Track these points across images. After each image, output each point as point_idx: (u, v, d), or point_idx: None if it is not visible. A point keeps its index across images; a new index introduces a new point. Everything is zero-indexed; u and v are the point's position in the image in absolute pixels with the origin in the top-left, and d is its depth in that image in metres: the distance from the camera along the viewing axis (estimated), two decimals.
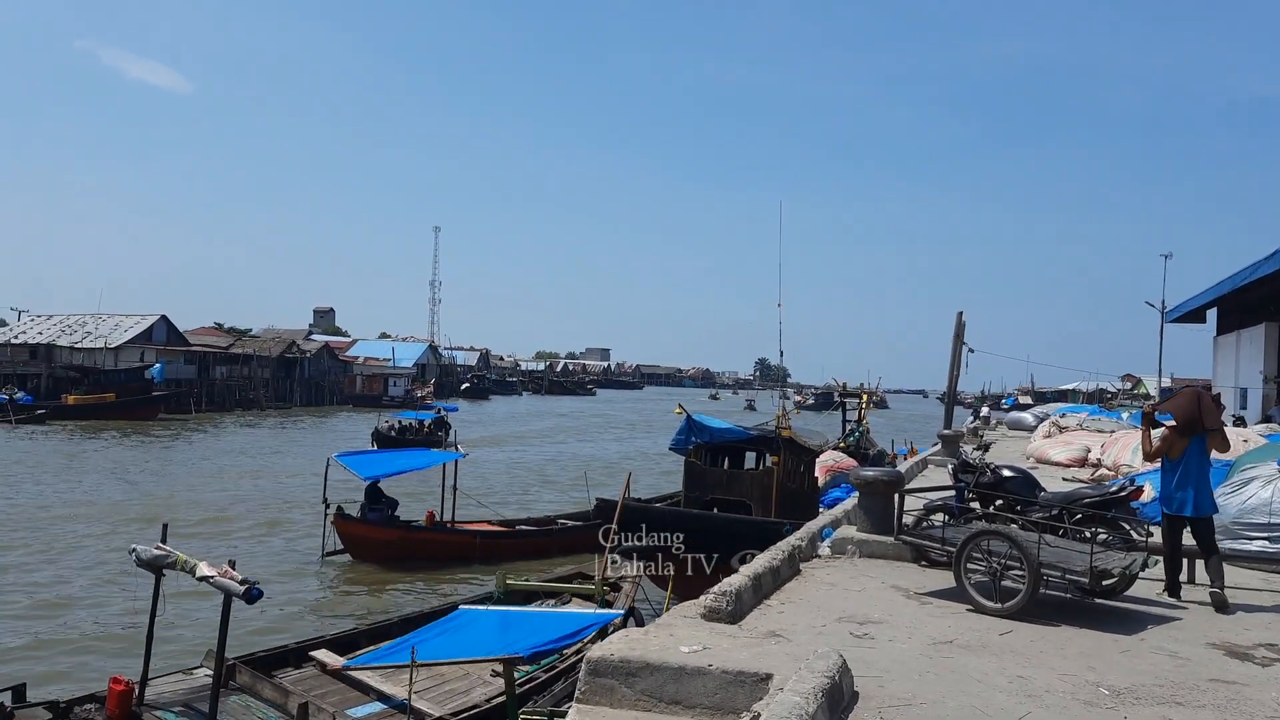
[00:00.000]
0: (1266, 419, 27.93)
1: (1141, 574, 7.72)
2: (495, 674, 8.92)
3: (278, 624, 13.80)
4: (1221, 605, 7.61)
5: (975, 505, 8.88)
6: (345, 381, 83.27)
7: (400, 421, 42.13)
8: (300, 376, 76.85)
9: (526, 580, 12.68)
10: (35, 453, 35.14)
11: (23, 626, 13.26)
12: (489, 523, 19.95)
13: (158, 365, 59.40)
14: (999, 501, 8.77)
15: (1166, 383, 47.39)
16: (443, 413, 44.75)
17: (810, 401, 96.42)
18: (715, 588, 7.04)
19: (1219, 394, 9.09)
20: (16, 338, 67.14)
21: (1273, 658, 6.39)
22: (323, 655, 9.57)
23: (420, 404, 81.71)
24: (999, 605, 7.19)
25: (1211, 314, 40.71)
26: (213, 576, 6.07)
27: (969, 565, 7.45)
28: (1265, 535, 9.76)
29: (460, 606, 9.36)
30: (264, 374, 71.30)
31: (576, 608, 10.70)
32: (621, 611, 10.29)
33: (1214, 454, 8.19)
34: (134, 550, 6.38)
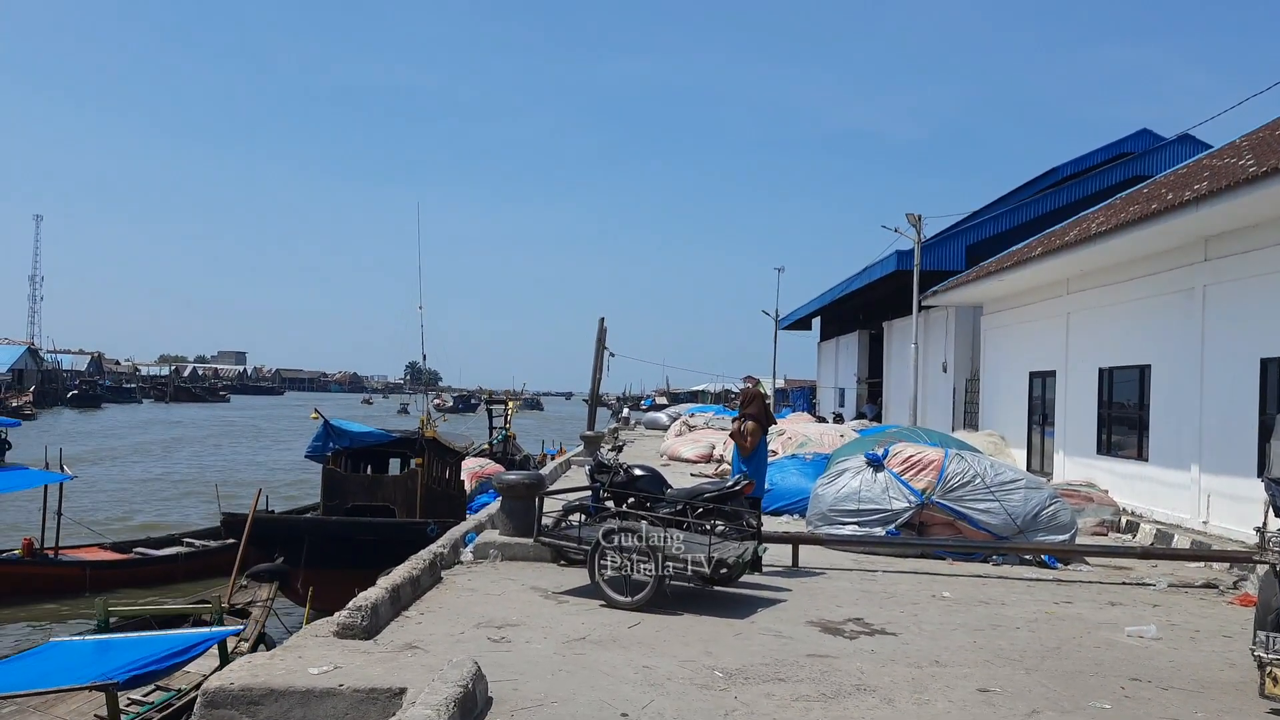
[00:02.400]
0: (860, 415, 32.02)
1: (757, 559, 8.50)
2: (99, 718, 7.96)
3: None
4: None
5: (610, 504, 9.30)
6: None
7: None
8: None
9: (134, 606, 11.44)
10: None
11: None
12: (101, 548, 17.86)
13: None
14: (631, 499, 9.26)
15: (780, 383, 52.63)
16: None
17: (450, 404, 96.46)
18: (350, 603, 6.81)
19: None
20: None
21: (859, 630, 7.29)
22: None
23: (16, 413, 71.67)
24: (629, 599, 7.59)
25: (817, 322, 46.02)
26: None
27: (602, 562, 7.79)
28: (855, 521, 11.15)
29: (52, 640, 8.21)
30: None
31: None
32: (239, 628, 9.64)
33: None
34: None
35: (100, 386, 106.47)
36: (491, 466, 22.73)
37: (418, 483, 16.08)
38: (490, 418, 30.97)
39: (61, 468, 16.97)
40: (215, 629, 8.16)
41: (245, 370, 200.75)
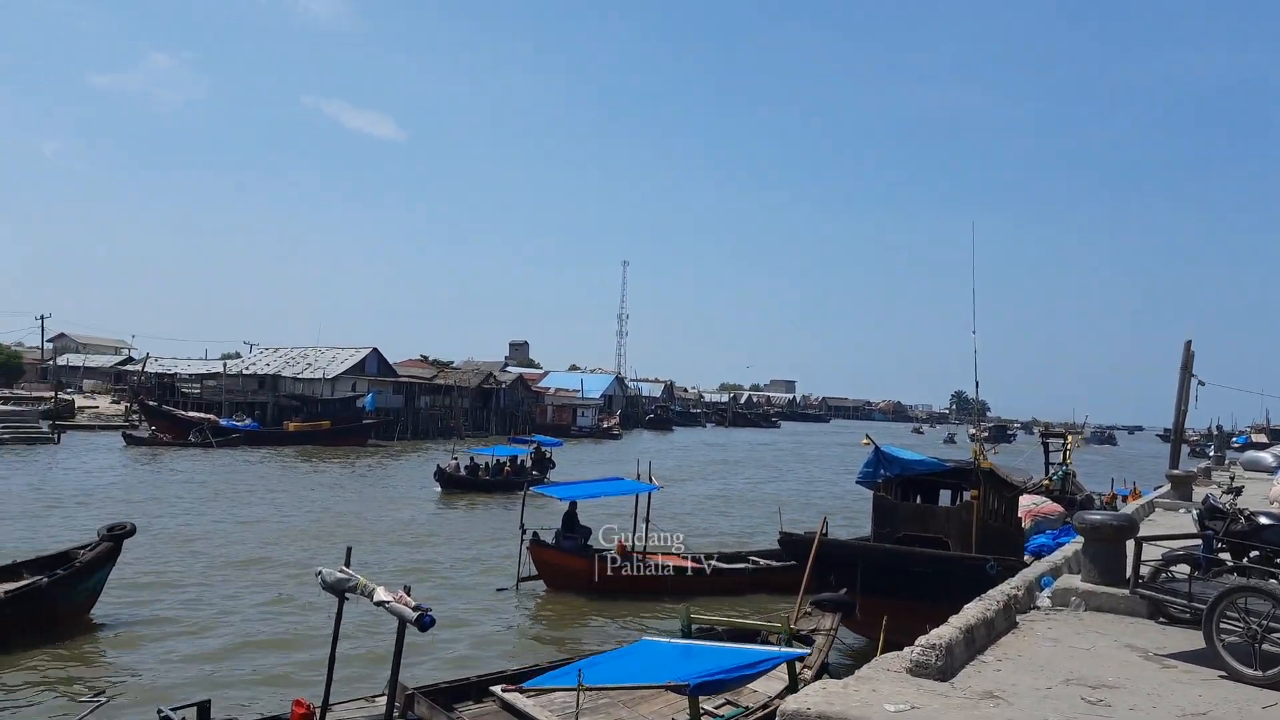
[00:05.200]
0: None
1: None
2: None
3: (473, 646, 14.02)
4: None
5: (1226, 557, 7.81)
6: (537, 411, 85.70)
7: (473, 459, 36.19)
8: (496, 406, 79.72)
9: (713, 615, 12.22)
10: (249, 474, 37.81)
11: (208, 643, 13.82)
12: (679, 556, 19.71)
13: (369, 395, 63.10)
14: (1255, 553, 7.69)
15: None
16: (543, 449, 38.53)
17: (985, 434, 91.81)
18: (922, 639, 6.44)
19: None
20: (248, 369, 72.90)
21: None
22: (500, 690, 9.43)
23: (606, 433, 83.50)
24: (1260, 673, 6.23)
25: None
26: (388, 602, 6.04)
27: (1223, 625, 6.51)
28: None
29: (644, 639, 9.04)
30: (464, 404, 74.40)
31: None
32: (805, 652, 9.74)
33: None
34: (319, 573, 6.43)
35: (671, 411, 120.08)
36: (1048, 505, 20.88)
37: (973, 515, 15.27)
38: (1046, 452, 28.73)
39: (650, 479, 19.09)
40: (784, 649, 8.31)
41: (794, 398, 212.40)
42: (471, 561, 20.78)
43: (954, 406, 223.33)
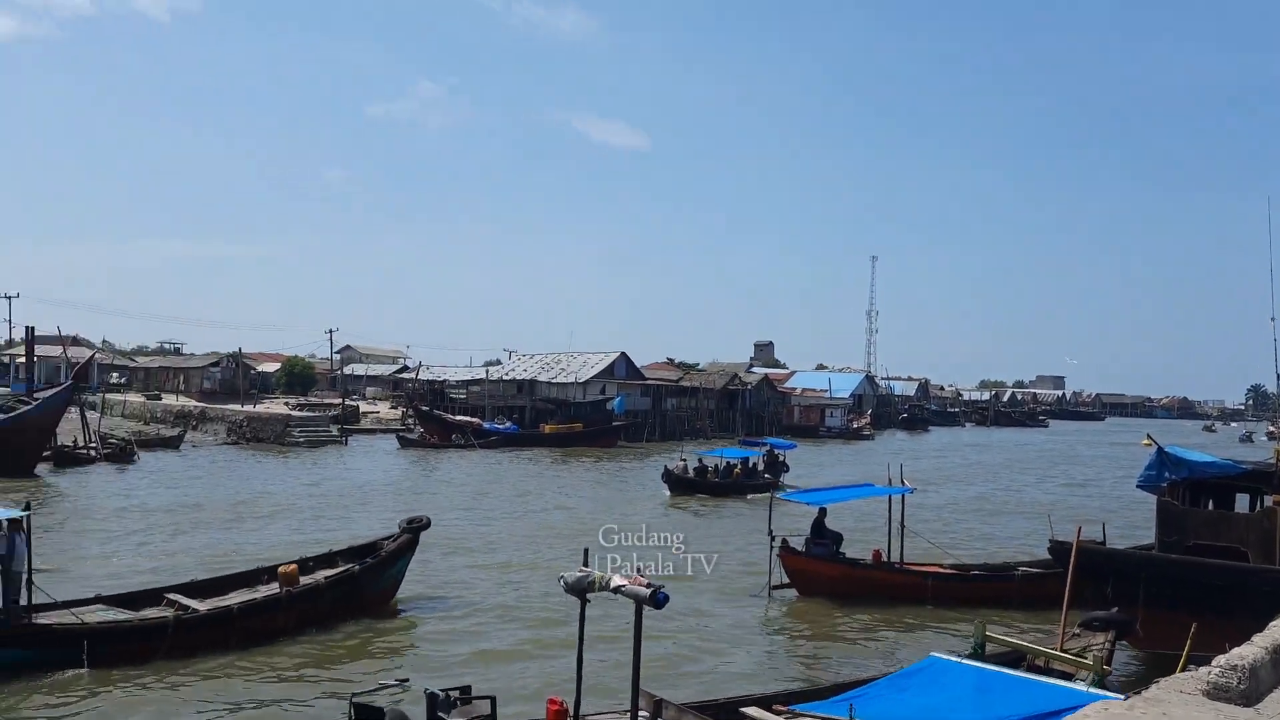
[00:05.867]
0: None
1: None
2: None
3: (723, 657, 14.08)
4: None
5: None
6: (784, 412, 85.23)
7: (701, 460, 35.25)
8: (742, 407, 79.98)
9: (1009, 638, 10.75)
10: (506, 474, 40.04)
11: (479, 635, 14.66)
12: (939, 564, 18.93)
13: (618, 398, 65.32)
14: None
15: None
16: (776, 451, 37.24)
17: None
18: (1221, 659, 5.80)
19: None
20: (507, 374, 77.43)
21: None
22: (754, 712, 8.80)
23: (856, 434, 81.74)
24: None
25: None
26: (623, 586, 6.19)
27: None
28: None
29: (933, 655, 8.23)
30: (709, 405, 75.27)
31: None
32: (1120, 696, 8.66)
33: None
34: (561, 579, 6.62)
35: (926, 410, 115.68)
36: None
37: (1275, 523, 13.64)
38: None
39: (903, 482, 18.47)
40: (1094, 690, 7.40)
41: (1064, 395, 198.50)
42: (714, 567, 20.71)
43: (1250, 402, 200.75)
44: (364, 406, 74.85)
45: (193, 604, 13.65)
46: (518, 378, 75.26)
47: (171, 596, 13.97)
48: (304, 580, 14.66)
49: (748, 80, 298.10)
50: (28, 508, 13.05)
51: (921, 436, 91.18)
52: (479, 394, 71.25)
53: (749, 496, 31.80)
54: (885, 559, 18.06)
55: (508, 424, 60.65)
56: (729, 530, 25.41)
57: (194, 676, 12.18)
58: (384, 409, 75.83)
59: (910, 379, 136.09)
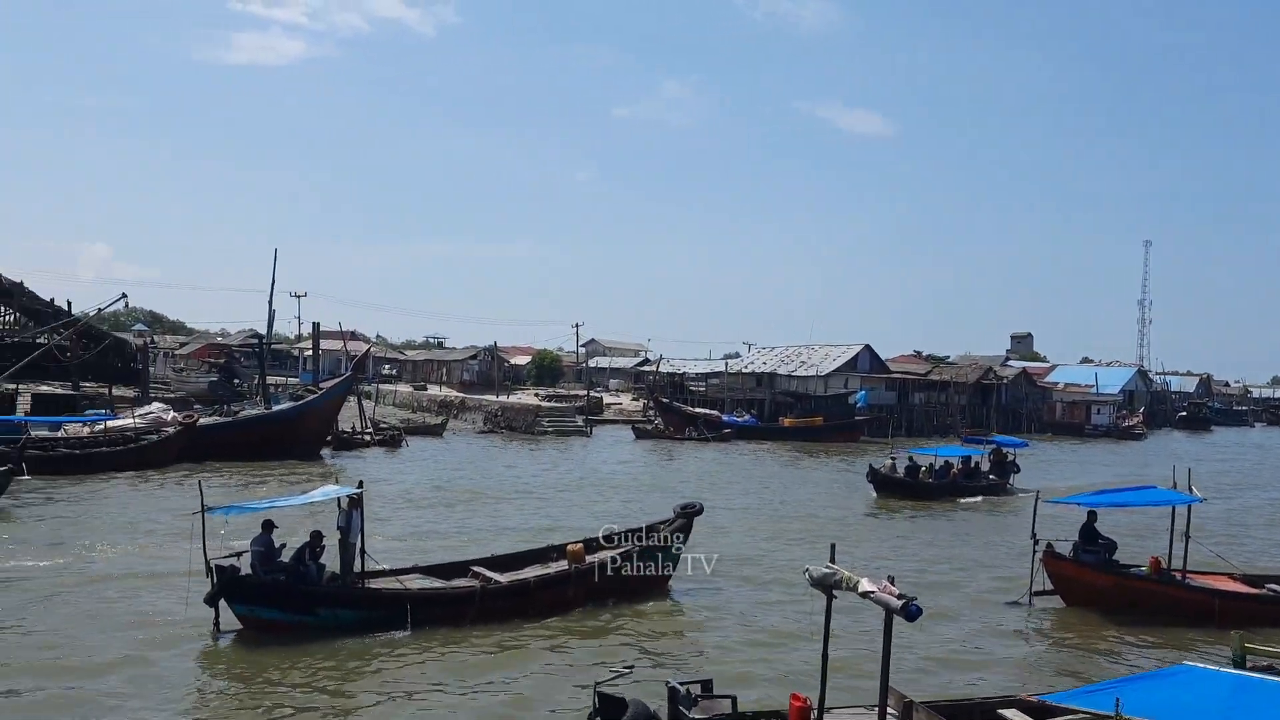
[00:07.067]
0: None
1: None
2: None
3: (979, 666, 13.15)
4: None
5: None
6: (1044, 409, 79.91)
7: (913, 459, 31.99)
8: (996, 403, 75.69)
9: (1273, 648, 9.86)
10: (743, 467, 39.62)
11: (718, 628, 14.59)
12: (1233, 578, 16.68)
13: (861, 392, 63.59)
14: None
15: None
16: (1004, 450, 34.48)
17: None
18: None
19: None
20: (746, 367, 77.27)
21: None
22: (1013, 715, 8.47)
23: (1126, 432, 75.25)
24: None
25: None
26: (873, 592, 6.15)
27: None
28: None
29: (1185, 663, 7.87)
30: (960, 400, 71.70)
31: None
32: None
33: None
34: (807, 570, 6.46)
35: (1208, 409, 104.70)
36: None
37: None
38: None
39: (1190, 489, 16.39)
40: None
41: None
42: (955, 572, 19.34)
43: None
44: (607, 398, 77.07)
45: (495, 576, 14.82)
46: (757, 370, 74.90)
47: (476, 569, 15.22)
48: (588, 559, 15.43)
49: (999, 61, 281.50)
50: (361, 486, 14.58)
51: (1203, 437, 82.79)
52: (718, 387, 71.55)
53: (961, 500, 29.84)
54: (1165, 569, 16.14)
55: (747, 416, 60.55)
56: (939, 535, 24.06)
57: (492, 645, 13.15)
58: (626, 400, 77.77)
59: (1190, 374, 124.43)
